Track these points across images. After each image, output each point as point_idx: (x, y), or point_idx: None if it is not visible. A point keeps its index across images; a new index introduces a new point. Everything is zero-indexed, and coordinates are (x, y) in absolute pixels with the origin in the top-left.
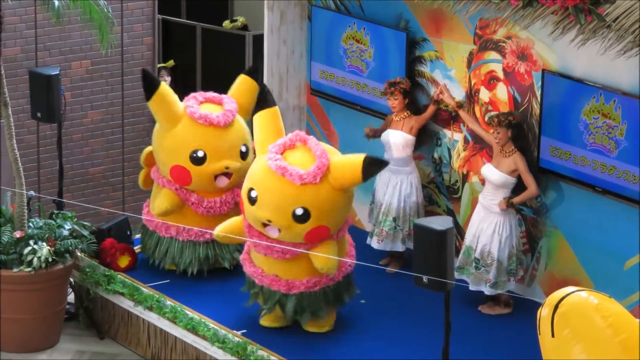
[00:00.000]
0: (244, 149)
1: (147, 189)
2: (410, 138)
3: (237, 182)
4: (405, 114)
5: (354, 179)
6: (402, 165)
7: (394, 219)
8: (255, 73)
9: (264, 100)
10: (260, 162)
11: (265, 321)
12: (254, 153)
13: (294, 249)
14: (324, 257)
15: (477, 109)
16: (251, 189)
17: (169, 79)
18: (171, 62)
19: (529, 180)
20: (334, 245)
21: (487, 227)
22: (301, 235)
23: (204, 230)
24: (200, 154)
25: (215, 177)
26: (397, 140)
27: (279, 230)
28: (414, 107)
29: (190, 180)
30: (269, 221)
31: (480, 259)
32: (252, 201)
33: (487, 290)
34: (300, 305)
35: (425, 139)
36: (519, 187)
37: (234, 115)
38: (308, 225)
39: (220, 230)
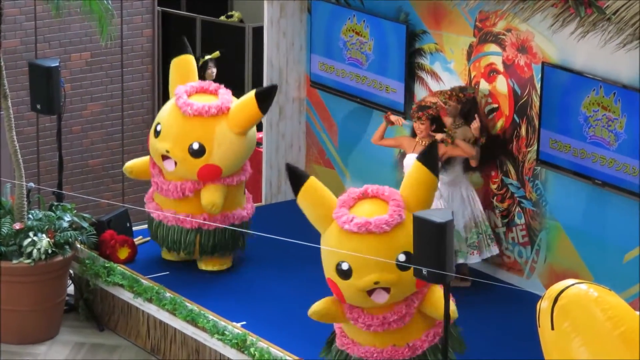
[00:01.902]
0: (196, 146)
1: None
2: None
3: (185, 173)
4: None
5: (432, 184)
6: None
7: None
8: (266, 99)
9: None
10: (333, 233)
11: None
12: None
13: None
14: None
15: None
16: (339, 263)
17: (215, 69)
18: (217, 54)
19: (463, 147)
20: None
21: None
22: (413, 284)
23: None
24: (158, 128)
25: (164, 158)
26: None
27: (388, 291)
28: (439, 131)
29: (149, 151)
30: (377, 283)
31: None
32: (347, 274)
33: None
34: None
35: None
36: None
37: (202, 112)
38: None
39: (316, 310)
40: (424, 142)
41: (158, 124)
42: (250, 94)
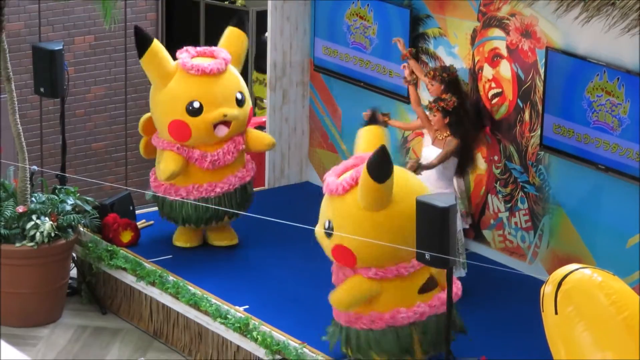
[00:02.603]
0: (239, 96)
1: (150, 158)
2: (452, 159)
3: (237, 130)
4: (447, 133)
5: (365, 186)
6: (442, 187)
7: None
8: (242, 25)
9: (372, 119)
10: None
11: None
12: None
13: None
14: (337, 291)
15: (480, 86)
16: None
17: None
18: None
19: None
20: (358, 282)
21: None
22: (329, 253)
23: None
24: (196, 104)
25: (214, 127)
26: None
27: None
28: (456, 128)
29: (190, 134)
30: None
31: None
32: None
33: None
34: (349, 340)
35: (467, 162)
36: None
37: (227, 63)
38: (332, 242)
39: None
40: (441, 136)
41: (192, 101)
42: (227, 32)
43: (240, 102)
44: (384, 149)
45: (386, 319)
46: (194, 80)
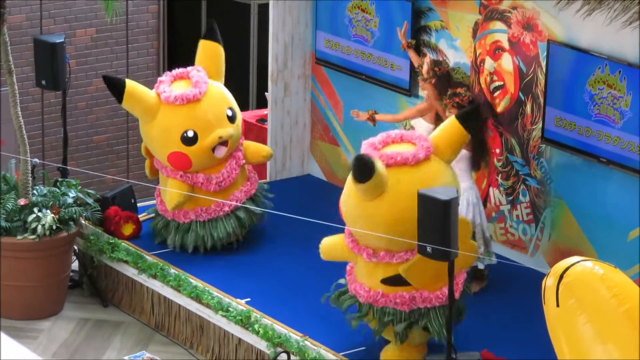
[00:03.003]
0: (229, 112)
1: (156, 177)
2: (465, 152)
3: (234, 147)
4: None
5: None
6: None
7: None
8: (213, 34)
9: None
10: None
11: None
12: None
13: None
14: (330, 237)
15: (482, 79)
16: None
17: None
18: None
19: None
20: (341, 242)
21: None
22: None
23: (222, 202)
24: (190, 133)
25: (213, 149)
26: None
27: None
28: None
29: (190, 163)
30: None
31: None
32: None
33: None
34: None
35: (481, 156)
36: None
37: (206, 82)
38: None
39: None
40: None
41: (186, 131)
42: (200, 46)
43: (231, 119)
44: (360, 157)
45: (350, 287)
46: (181, 110)
